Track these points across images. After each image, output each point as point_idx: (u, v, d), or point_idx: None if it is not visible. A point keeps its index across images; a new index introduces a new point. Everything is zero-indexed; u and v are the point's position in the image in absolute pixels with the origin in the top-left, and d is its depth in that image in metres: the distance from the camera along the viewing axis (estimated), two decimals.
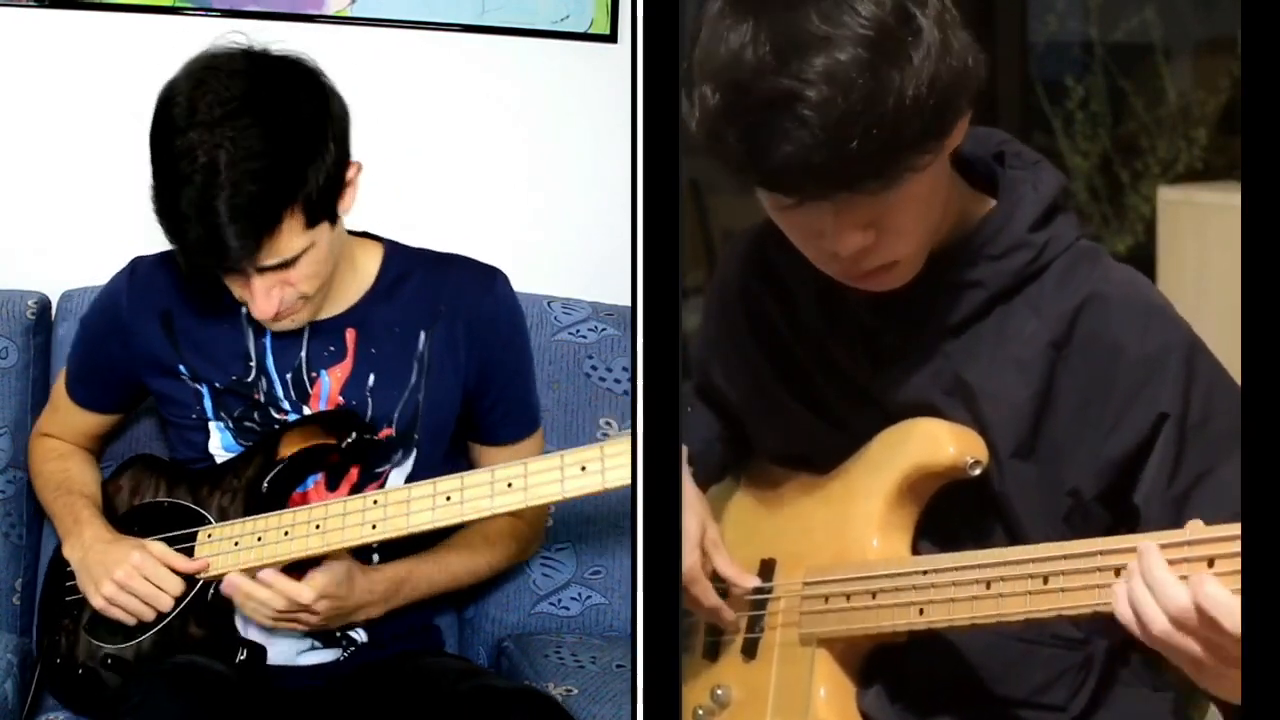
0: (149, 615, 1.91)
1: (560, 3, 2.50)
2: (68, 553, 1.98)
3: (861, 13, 1.30)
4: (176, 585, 1.90)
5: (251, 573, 1.85)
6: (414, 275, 2.00)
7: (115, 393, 2.09)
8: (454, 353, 1.98)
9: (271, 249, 1.77)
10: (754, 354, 1.63)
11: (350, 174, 1.85)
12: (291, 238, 1.77)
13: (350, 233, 1.98)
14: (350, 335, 1.97)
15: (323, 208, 1.79)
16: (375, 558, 1.98)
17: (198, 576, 1.92)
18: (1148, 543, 1.28)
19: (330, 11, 2.45)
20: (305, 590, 1.83)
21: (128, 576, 1.89)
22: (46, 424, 2.15)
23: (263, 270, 1.79)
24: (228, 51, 1.82)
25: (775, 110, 1.30)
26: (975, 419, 1.48)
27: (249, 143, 1.73)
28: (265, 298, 1.82)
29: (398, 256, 2.02)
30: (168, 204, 1.76)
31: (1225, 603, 1.19)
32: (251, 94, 1.76)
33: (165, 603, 1.90)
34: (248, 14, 2.40)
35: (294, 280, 1.83)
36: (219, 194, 1.72)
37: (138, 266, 2.04)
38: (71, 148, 2.40)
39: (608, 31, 2.52)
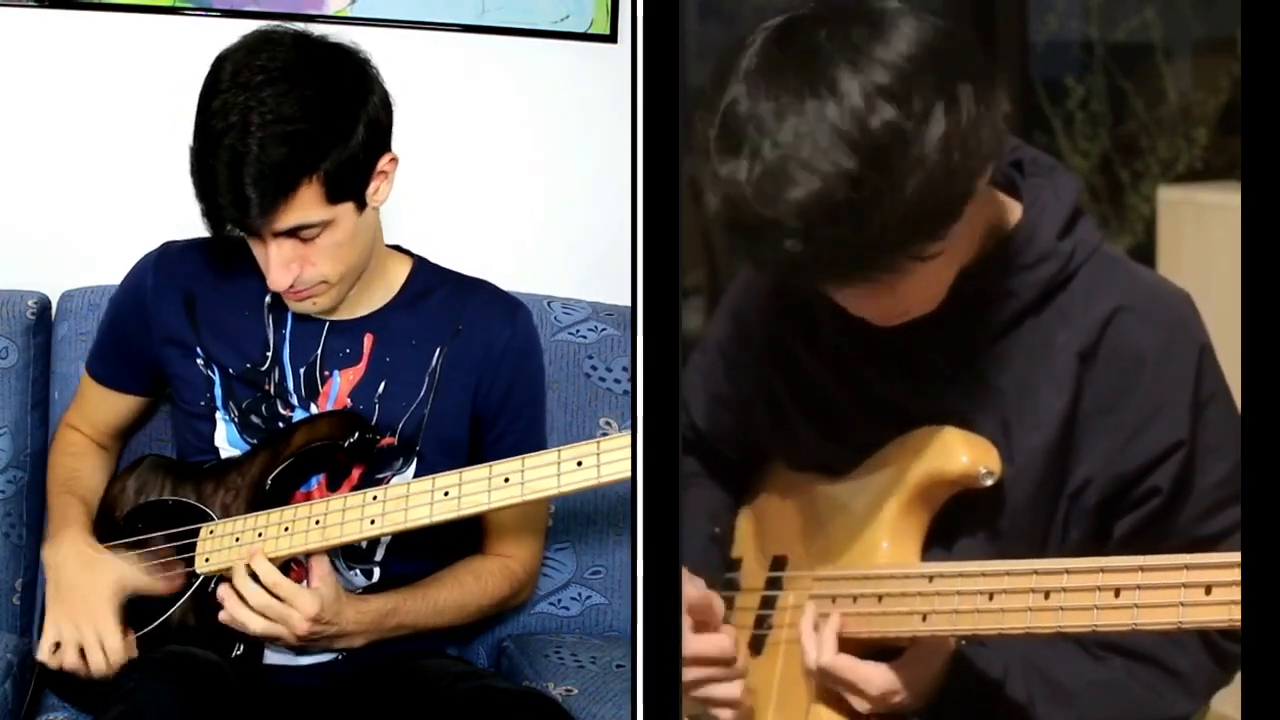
0: (83, 673, 1.88)
1: (560, 3, 2.50)
2: (45, 554, 1.97)
3: (847, 148, 1.29)
4: (117, 658, 1.87)
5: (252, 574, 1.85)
6: (438, 292, 2.02)
7: (132, 372, 2.09)
8: (466, 374, 1.99)
9: (288, 213, 1.79)
10: (776, 383, 1.63)
11: (382, 164, 1.88)
12: (310, 207, 1.80)
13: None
14: (368, 340, 1.98)
15: (345, 186, 1.82)
16: (376, 571, 1.99)
17: (198, 571, 1.92)
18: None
19: (330, 11, 2.45)
20: (309, 600, 1.83)
21: (75, 631, 1.87)
22: (71, 415, 2.15)
23: (278, 235, 1.81)
24: (286, 30, 1.87)
25: (760, 232, 1.33)
26: (1005, 429, 1.48)
27: (281, 109, 1.77)
28: (281, 269, 1.84)
29: (425, 272, 2.04)
30: (198, 158, 1.80)
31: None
32: (295, 67, 1.81)
33: (98, 668, 1.87)
34: (248, 14, 2.40)
35: (314, 260, 1.85)
36: (246, 154, 1.76)
37: (167, 249, 2.05)
38: (71, 148, 2.40)
39: (608, 31, 2.52)
